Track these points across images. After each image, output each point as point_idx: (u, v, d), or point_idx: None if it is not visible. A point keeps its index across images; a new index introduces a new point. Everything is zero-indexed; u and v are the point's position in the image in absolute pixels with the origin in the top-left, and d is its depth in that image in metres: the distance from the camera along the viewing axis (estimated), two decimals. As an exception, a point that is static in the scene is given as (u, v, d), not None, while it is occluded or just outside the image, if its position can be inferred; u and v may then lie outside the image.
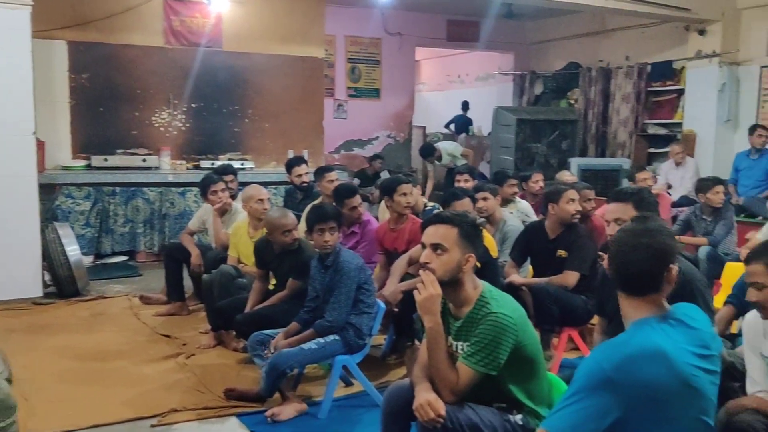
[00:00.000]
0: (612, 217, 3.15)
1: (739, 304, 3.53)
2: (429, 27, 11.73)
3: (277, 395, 3.69)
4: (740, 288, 3.57)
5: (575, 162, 9.32)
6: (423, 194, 7.66)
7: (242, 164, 8.11)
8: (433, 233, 2.53)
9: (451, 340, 2.57)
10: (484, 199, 5.10)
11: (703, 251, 5.66)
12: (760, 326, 2.61)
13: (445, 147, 9.84)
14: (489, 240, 4.22)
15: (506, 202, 5.88)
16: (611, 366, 1.87)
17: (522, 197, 6.24)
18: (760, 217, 6.72)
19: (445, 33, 11.97)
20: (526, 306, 4.30)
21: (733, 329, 3.74)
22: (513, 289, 4.39)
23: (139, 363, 4.48)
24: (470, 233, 2.54)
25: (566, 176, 6.38)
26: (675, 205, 7.75)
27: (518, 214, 5.70)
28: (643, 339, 1.94)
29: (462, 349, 2.49)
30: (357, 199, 4.99)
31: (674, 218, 6.90)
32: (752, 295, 2.54)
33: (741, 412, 2.47)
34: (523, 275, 4.67)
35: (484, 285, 2.56)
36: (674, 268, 2.04)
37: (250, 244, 4.86)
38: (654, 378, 1.86)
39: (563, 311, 4.14)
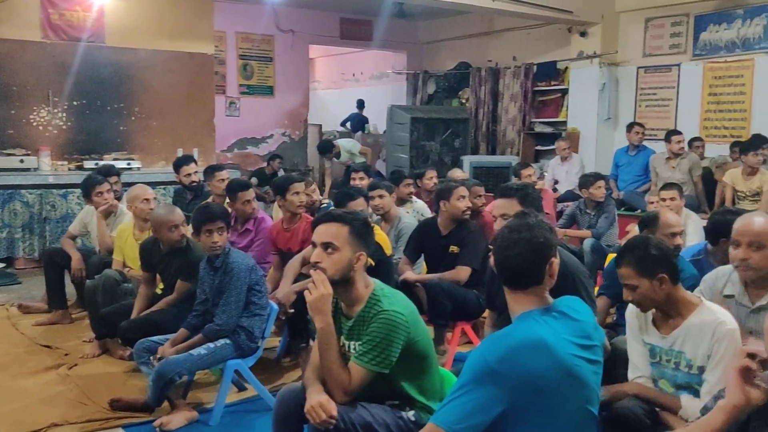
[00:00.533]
0: (498, 212, 3.22)
1: (611, 293, 3.66)
2: (322, 25, 11.68)
3: (165, 404, 3.55)
4: (610, 276, 3.69)
5: (467, 160, 9.52)
6: (322, 193, 7.61)
7: (129, 164, 7.80)
8: (324, 232, 2.49)
9: (344, 339, 2.54)
10: (380, 196, 5.11)
11: (587, 243, 5.90)
12: (642, 314, 2.72)
13: (343, 144, 9.83)
14: (383, 237, 4.23)
15: (402, 201, 5.93)
16: (495, 358, 1.90)
17: (417, 195, 6.30)
18: (639, 210, 7.07)
19: (339, 31, 11.96)
20: (420, 302, 4.36)
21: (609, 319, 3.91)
22: (407, 286, 4.43)
23: (16, 376, 4.21)
24: (361, 231, 2.52)
25: (457, 174, 6.51)
26: (561, 199, 8.06)
27: (414, 213, 5.75)
28: (526, 331, 1.98)
29: (354, 349, 2.47)
30: (250, 193, 4.89)
31: (560, 213, 7.18)
32: (627, 295, 2.64)
33: (622, 398, 2.57)
34: (417, 272, 4.71)
35: (375, 283, 2.55)
36: (555, 261, 2.10)
37: (136, 246, 4.66)
38: (537, 368, 1.90)
39: (456, 306, 4.20)
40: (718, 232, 3.61)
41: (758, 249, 2.78)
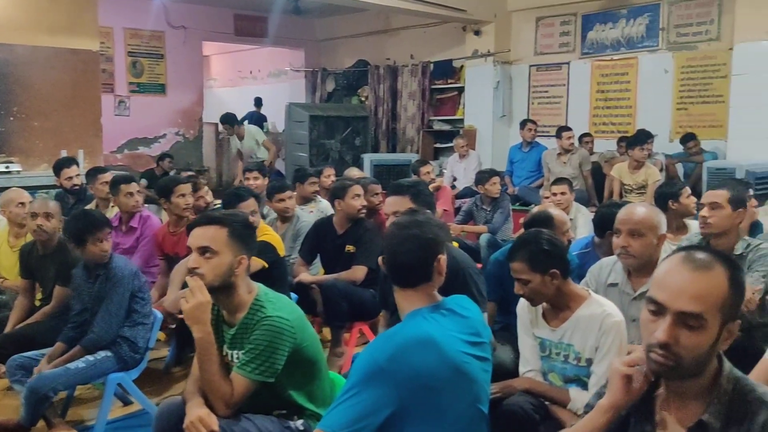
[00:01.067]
0: (390, 210, 3.17)
1: (496, 296, 3.64)
2: (215, 21, 11.37)
3: (42, 423, 3.30)
4: (490, 279, 3.65)
5: (368, 158, 9.47)
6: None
7: (7, 167, 7.27)
8: (201, 235, 2.35)
9: (227, 349, 2.41)
10: (289, 198, 5.03)
11: (483, 238, 5.97)
12: (532, 308, 2.72)
13: (249, 128, 9.54)
14: (275, 238, 4.10)
15: (307, 200, 5.80)
16: (384, 357, 1.86)
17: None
18: (533, 205, 7.23)
19: (233, 27, 11.67)
20: (316, 304, 4.26)
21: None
22: (303, 288, 4.33)
23: None
24: (242, 233, 2.39)
25: (354, 172, 6.44)
26: (460, 196, 8.15)
27: (318, 213, 5.63)
28: (414, 329, 1.94)
29: (238, 358, 2.35)
30: (134, 186, 4.65)
31: (458, 209, 7.24)
32: (519, 289, 2.64)
33: (512, 394, 2.56)
34: (314, 273, 4.61)
35: (258, 288, 2.43)
36: (443, 258, 2.07)
37: (12, 254, 4.35)
38: (426, 366, 1.86)
39: (353, 306, 4.13)
40: (605, 224, 3.68)
41: (638, 237, 2.85)
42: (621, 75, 8.76)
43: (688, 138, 7.59)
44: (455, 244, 5.47)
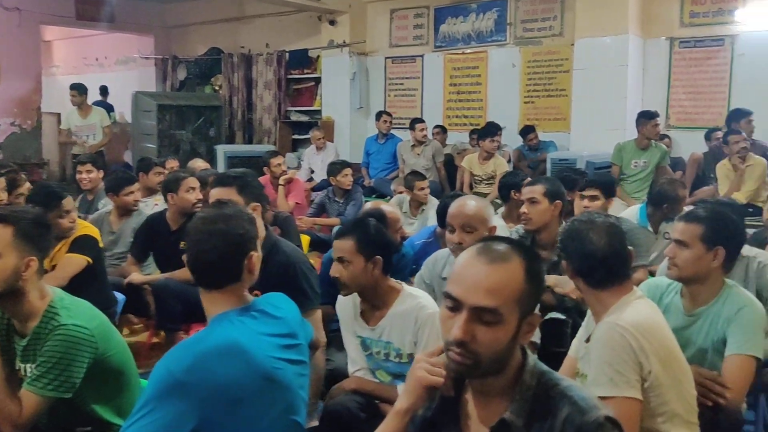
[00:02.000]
0: (215, 203, 2.96)
1: (332, 298, 3.53)
2: (54, 3, 10.52)
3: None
4: (326, 279, 3.52)
5: (221, 149, 9.14)
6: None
7: None
8: (-21, 236, 2.06)
9: (19, 362, 2.14)
10: (138, 190, 4.73)
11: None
12: (351, 306, 2.62)
13: (98, 108, 8.93)
14: (94, 230, 3.76)
15: (152, 192, 5.44)
16: (182, 369, 1.67)
17: (162, 185, 5.84)
18: (388, 197, 7.22)
19: (74, 10, 10.85)
20: (149, 306, 3.99)
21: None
22: (134, 289, 4.03)
23: None
24: (30, 232, 2.12)
25: (198, 164, 6.14)
26: (318, 188, 8.00)
27: (164, 205, 5.28)
28: (219, 335, 1.78)
29: (31, 372, 2.08)
30: None
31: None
32: (336, 270, 2.51)
33: (340, 394, 2.46)
34: (148, 272, 4.31)
35: (54, 293, 2.17)
36: (255, 255, 1.91)
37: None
38: (231, 376, 1.71)
39: (187, 307, 3.86)
40: (445, 215, 3.67)
41: (470, 232, 2.82)
42: (472, 68, 8.93)
43: (527, 130, 7.84)
44: (304, 237, 5.41)
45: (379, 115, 8.46)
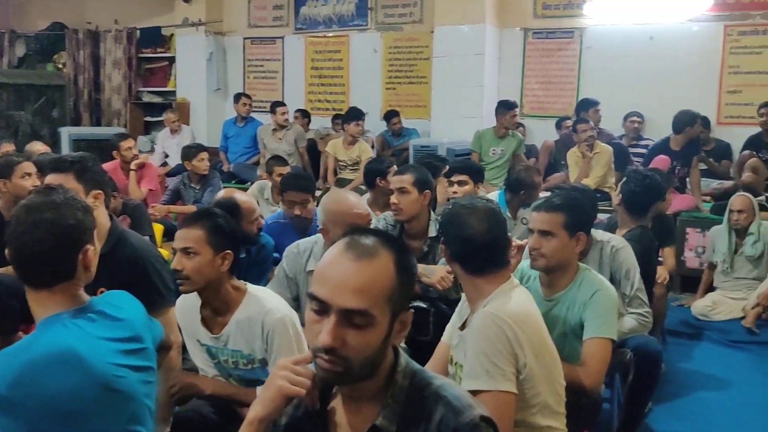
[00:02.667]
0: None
1: None
2: None
3: None
4: None
5: (66, 131, 8.45)
6: None
7: None
8: None
9: None
10: None
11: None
12: (191, 312, 2.40)
13: None
14: None
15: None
16: (6, 383, 1.48)
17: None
18: (249, 183, 6.99)
19: None
20: None
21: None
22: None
23: None
24: None
25: (37, 146, 5.60)
26: (173, 174, 7.61)
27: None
28: (49, 341, 1.57)
29: None
30: None
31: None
32: (178, 262, 2.27)
33: (193, 396, 2.29)
34: None
35: None
36: (91, 249, 1.71)
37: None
38: (64, 388, 1.52)
39: (25, 304, 3.50)
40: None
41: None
42: (334, 52, 8.82)
43: (391, 115, 7.86)
44: (158, 227, 5.09)
45: (237, 97, 8.15)
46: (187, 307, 2.41)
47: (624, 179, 3.79)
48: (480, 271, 2.09)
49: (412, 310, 1.35)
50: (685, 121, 5.85)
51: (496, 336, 1.92)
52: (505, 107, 6.61)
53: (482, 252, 2.09)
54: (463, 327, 2.14)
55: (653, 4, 7.06)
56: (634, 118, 6.98)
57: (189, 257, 2.25)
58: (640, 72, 7.16)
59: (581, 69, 7.56)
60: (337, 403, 1.38)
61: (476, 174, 4.40)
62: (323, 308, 1.26)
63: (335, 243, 1.33)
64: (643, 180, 3.70)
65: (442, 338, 2.31)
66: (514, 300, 2.05)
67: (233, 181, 7.45)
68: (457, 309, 2.31)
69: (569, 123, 6.86)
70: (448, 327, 2.32)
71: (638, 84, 7.14)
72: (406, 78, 8.44)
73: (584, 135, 6.11)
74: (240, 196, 3.53)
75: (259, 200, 5.71)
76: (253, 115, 8.20)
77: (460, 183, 4.26)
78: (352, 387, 1.33)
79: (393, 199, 3.36)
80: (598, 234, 3.15)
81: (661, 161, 5.72)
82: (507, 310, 1.98)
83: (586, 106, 6.94)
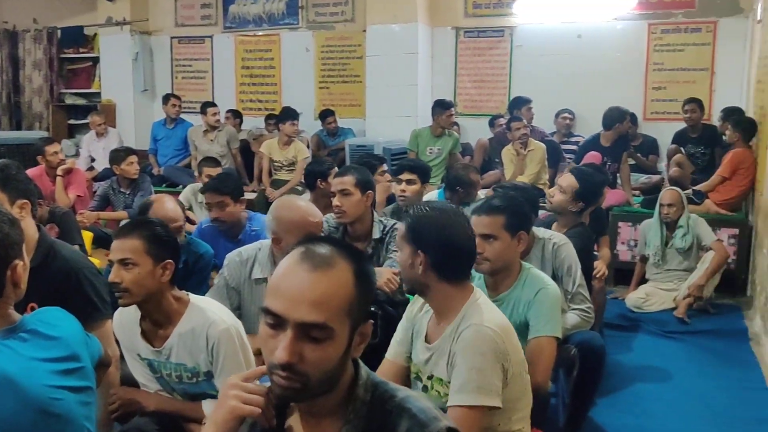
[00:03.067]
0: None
1: None
2: None
3: None
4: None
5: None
6: None
7: None
8: None
9: None
10: None
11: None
12: (130, 325, 2.29)
13: None
14: None
15: None
16: None
17: None
18: (181, 186, 6.80)
19: None
20: None
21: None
22: None
23: None
24: None
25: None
26: (100, 178, 7.35)
27: None
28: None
29: None
30: None
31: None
32: (116, 275, 2.16)
33: (136, 412, 2.19)
34: None
35: None
36: (20, 265, 1.60)
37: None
38: None
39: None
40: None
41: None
42: (265, 51, 8.67)
43: (326, 114, 7.79)
44: (87, 234, 4.88)
45: (166, 98, 7.91)
46: (125, 320, 2.29)
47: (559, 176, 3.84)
48: (456, 280, 2.04)
49: (372, 321, 1.30)
50: (615, 117, 6.01)
51: (489, 350, 1.92)
52: (441, 107, 6.63)
53: (463, 259, 2.06)
54: (428, 340, 2.09)
55: (580, 2, 7.23)
56: (566, 115, 7.12)
57: (128, 269, 2.14)
58: (570, 70, 7.31)
59: (512, 67, 7.66)
60: (294, 420, 1.32)
61: (425, 174, 4.39)
62: (279, 322, 1.20)
63: (289, 253, 1.27)
64: (592, 176, 3.80)
65: (389, 356, 2.23)
66: (493, 310, 2.04)
67: (164, 185, 7.25)
68: (406, 321, 2.24)
69: (503, 121, 6.93)
70: (397, 343, 2.23)
71: (568, 81, 7.29)
72: (340, 77, 8.38)
73: (518, 133, 6.19)
74: (169, 204, 3.39)
75: (192, 204, 5.59)
76: (183, 116, 7.99)
77: (410, 182, 4.24)
78: (311, 403, 1.27)
79: (335, 201, 3.30)
80: (539, 232, 3.18)
81: (593, 157, 5.86)
82: (494, 322, 1.97)
83: (519, 104, 7.04)
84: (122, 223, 5.37)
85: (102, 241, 5.42)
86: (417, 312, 2.21)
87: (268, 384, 1.27)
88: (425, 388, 2.09)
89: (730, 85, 6.86)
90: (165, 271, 2.18)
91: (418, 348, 2.14)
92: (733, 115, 5.89)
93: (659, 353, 4.35)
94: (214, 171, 5.25)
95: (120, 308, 2.29)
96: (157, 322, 2.23)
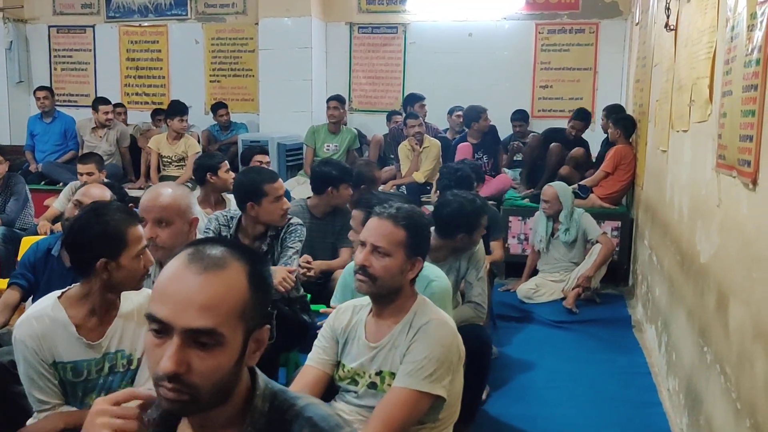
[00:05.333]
0: None
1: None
2: None
3: None
4: (24, 265, 3.09)
5: None
6: None
7: None
8: None
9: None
10: None
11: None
12: (57, 329, 2.13)
13: None
14: None
15: None
16: None
17: None
18: (61, 183, 6.41)
19: None
20: None
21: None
22: None
23: None
24: None
25: None
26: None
27: None
28: None
29: None
30: None
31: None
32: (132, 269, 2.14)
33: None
34: None
35: None
36: None
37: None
38: None
39: None
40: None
41: (166, 226, 2.52)
42: (152, 43, 8.34)
43: (218, 107, 7.58)
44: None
45: (35, 91, 7.43)
46: (45, 330, 2.09)
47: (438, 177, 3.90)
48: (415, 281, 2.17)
49: (268, 326, 1.22)
50: (471, 116, 6.46)
51: (451, 344, 2.04)
52: (330, 100, 6.73)
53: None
54: (369, 338, 2.14)
55: (471, 2, 7.38)
56: (459, 113, 7.24)
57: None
58: (461, 67, 7.45)
59: (406, 64, 7.73)
60: None
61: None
62: (164, 329, 1.11)
63: (178, 254, 1.18)
64: (455, 173, 3.86)
65: (312, 362, 2.17)
66: (441, 310, 2.18)
67: (43, 183, 6.86)
68: (331, 331, 2.20)
69: (399, 118, 6.97)
70: (322, 351, 2.19)
71: (460, 78, 7.43)
72: (231, 71, 8.18)
73: (413, 130, 6.23)
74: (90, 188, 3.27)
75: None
76: (63, 109, 7.57)
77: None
78: (203, 416, 1.18)
79: (285, 204, 3.20)
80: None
81: (464, 148, 6.26)
82: (445, 320, 2.11)
83: (413, 100, 7.09)
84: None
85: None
86: (348, 322, 2.20)
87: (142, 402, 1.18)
88: (373, 385, 2.11)
89: (612, 84, 7.20)
90: (110, 271, 2.12)
91: (355, 351, 2.15)
92: (614, 113, 6.15)
93: (549, 342, 4.49)
94: (85, 168, 4.91)
95: (26, 319, 2.11)
96: (101, 311, 2.15)
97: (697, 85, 3.09)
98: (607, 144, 6.19)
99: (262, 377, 1.25)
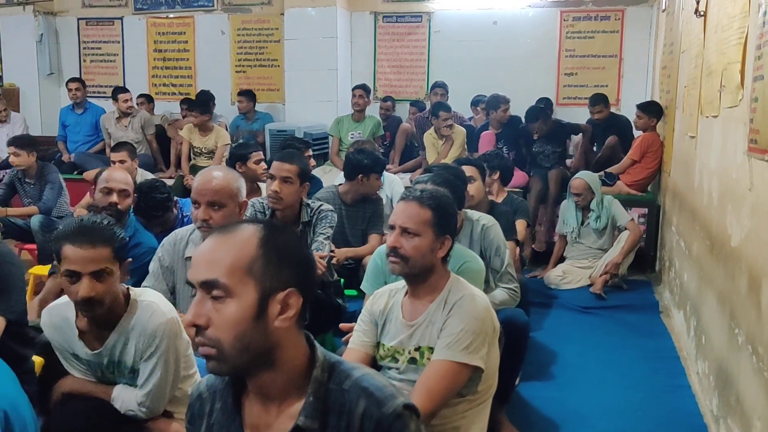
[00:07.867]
0: None
1: None
2: None
3: None
4: None
5: None
6: None
7: None
8: None
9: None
10: None
11: (35, 221, 5.13)
12: (63, 326, 2.25)
13: None
14: None
15: None
16: None
17: None
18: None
19: None
20: None
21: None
22: None
23: None
24: None
25: None
26: (3, 166, 6.97)
27: None
28: None
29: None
30: None
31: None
32: (90, 288, 2.12)
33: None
34: None
35: None
36: None
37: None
38: None
39: None
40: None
41: (219, 209, 2.61)
42: (179, 34, 8.43)
43: (238, 94, 7.63)
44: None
45: (68, 82, 7.53)
46: (56, 321, 2.22)
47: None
48: (448, 259, 2.24)
49: (297, 292, 1.26)
50: (491, 105, 6.43)
51: (485, 317, 2.10)
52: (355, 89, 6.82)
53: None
54: (406, 317, 2.20)
55: (495, -11, 7.38)
56: (483, 105, 7.24)
57: (101, 279, 2.12)
58: (486, 55, 7.46)
59: (431, 53, 7.74)
60: (251, 402, 1.31)
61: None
62: (195, 291, 1.25)
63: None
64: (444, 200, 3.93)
65: (354, 345, 2.25)
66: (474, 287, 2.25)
67: (75, 172, 6.97)
68: (369, 315, 2.27)
69: (415, 110, 7.02)
70: (362, 334, 2.26)
71: (484, 67, 7.44)
72: (257, 61, 8.25)
73: (444, 123, 6.22)
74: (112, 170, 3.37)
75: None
76: (93, 100, 7.68)
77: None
78: (257, 381, 1.27)
79: (274, 186, 3.25)
80: (469, 213, 3.25)
81: (487, 136, 6.35)
82: (485, 296, 2.21)
83: (435, 89, 7.14)
84: (33, 219, 5.14)
85: (12, 233, 5.19)
86: (386, 305, 2.26)
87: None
88: (413, 360, 2.17)
89: (638, 71, 7.18)
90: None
91: (393, 330, 2.22)
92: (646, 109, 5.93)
93: (578, 328, 4.53)
94: (118, 156, 5.02)
95: (48, 308, 2.23)
96: (100, 322, 2.18)
97: (727, 71, 3.10)
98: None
99: (320, 350, 1.32)
